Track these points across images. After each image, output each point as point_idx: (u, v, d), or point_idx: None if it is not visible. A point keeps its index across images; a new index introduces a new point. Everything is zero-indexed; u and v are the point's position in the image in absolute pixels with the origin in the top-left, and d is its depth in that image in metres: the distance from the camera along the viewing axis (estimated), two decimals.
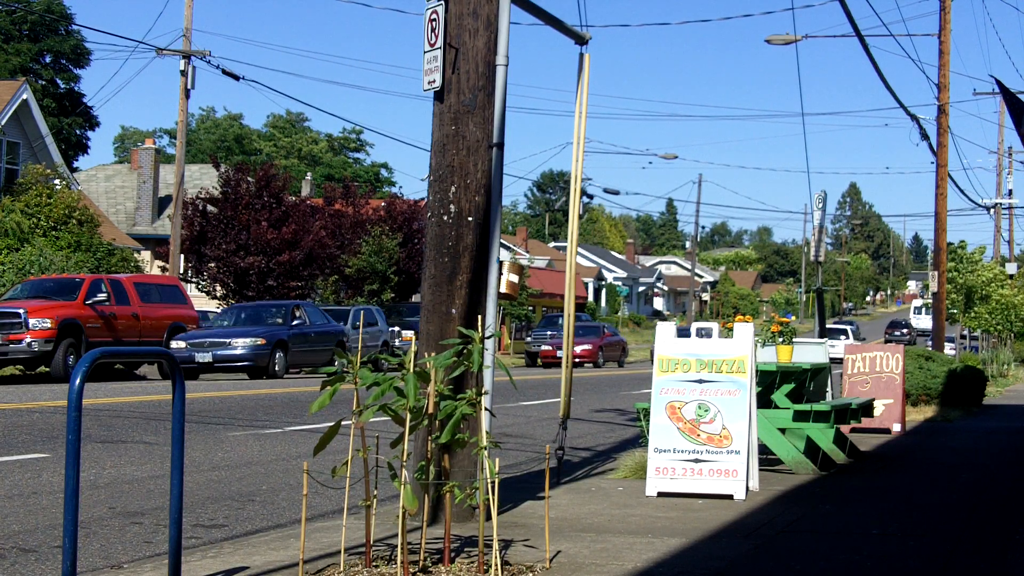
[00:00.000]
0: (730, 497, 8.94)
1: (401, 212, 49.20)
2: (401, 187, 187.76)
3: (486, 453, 6.06)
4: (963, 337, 50.71)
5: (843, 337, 65.40)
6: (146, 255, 48.04)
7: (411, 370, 5.83)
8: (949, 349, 52.74)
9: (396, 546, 6.23)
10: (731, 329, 9.50)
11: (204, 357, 27.59)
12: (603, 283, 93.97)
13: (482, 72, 7.87)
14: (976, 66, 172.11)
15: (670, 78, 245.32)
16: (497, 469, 6.00)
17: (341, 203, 47.96)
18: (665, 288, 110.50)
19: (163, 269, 40.16)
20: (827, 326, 78.52)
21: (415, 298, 46.97)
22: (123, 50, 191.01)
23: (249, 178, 42.24)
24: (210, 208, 41.61)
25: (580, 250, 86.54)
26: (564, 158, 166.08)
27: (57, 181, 37.79)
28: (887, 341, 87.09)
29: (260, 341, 28.28)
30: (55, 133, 50.09)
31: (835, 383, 14.46)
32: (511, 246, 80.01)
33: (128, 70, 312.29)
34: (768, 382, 10.95)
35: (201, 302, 43.11)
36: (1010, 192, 52.25)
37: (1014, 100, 14.67)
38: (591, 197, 63.54)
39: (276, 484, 10.07)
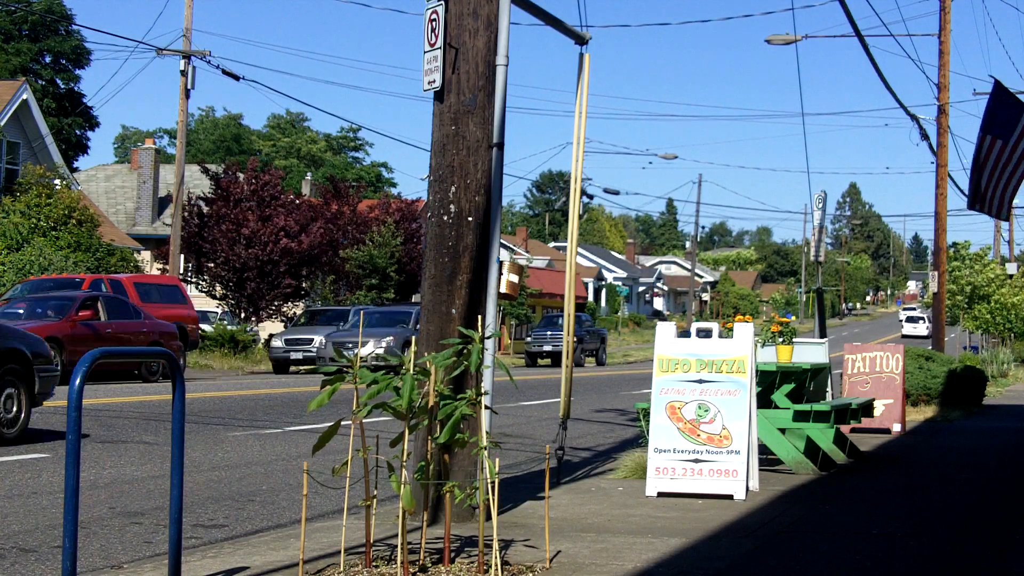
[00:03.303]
0: (730, 497, 8.94)
1: (398, 209, 49.26)
2: (399, 187, 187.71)
3: (486, 453, 6.06)
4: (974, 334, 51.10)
5: (921, 322, 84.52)
6: (146, 255, 48.05)
7: (410, 370, 5.83)
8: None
9: (396, 546, 6.23)
10: (731, 329, 9.50)
11: None
12: (603, 283, 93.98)
13: (482, 72, 7.87)
14: (976, 66, 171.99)
15: (670, 78, 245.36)
16: (497, 469, 6.00)
17: (336, 203, 48.07)
18: (665, 288, 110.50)
19: (163, 270, 40.21)
20: (913, 315, 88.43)
21: (415, 298, 46.92)
22: (123, 50, 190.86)
23: (239, 174, 42.49)
24: (204, 207, 41.90)
25: (580, 250, 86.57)
26: (564, 158, 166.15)
27: (57, 181, 37.81)
28: None
29: None
30: (55, 133, 50.09)
31: (835, 383, 14.46)
32: (511, 246, 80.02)
33: (128, 70, 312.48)
34: (768, 382, 10.95)
35: (201, 302, 43.14)
36: None
37: (1008, 101, 14.63)
38: (591, 197, 63.57)
39: (276, 484, 10.07)
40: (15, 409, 12.36)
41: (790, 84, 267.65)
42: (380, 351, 30.51)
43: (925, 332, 74.92)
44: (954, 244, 50.02)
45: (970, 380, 21.09)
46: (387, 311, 35.41)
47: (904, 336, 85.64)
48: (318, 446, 5.85)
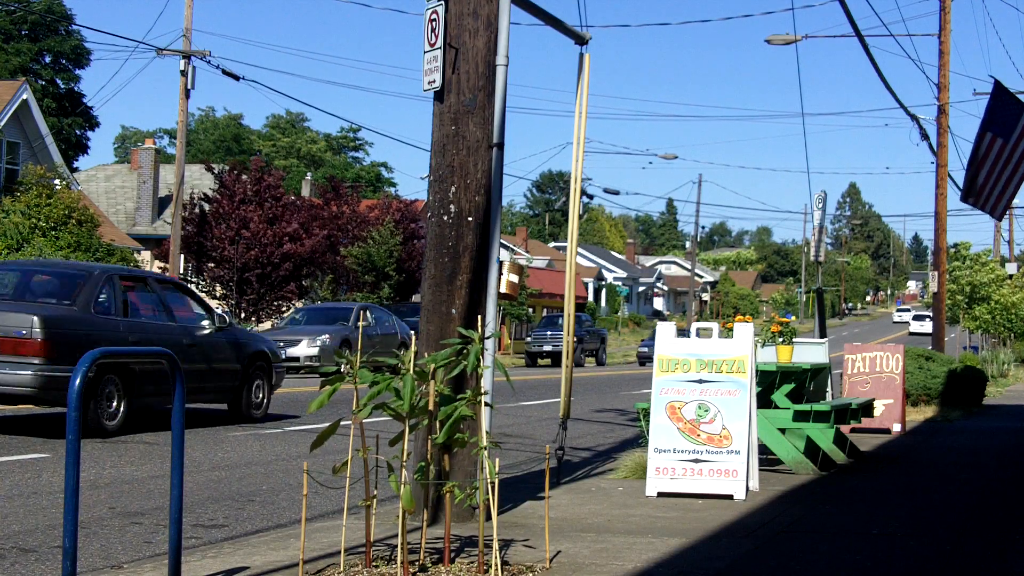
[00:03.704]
0: (730, 497, 8.94)
1: (398, 210, 49.33)
2: (399, 187, 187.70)
3: (486, 453, 6.06)
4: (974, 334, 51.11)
5: (928, 320, 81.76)
6: (146, 255, 48.05)
7: (410, 371, 5.83)
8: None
9: (396, 546, 6.23)
10: (731, 329, 9.50)
11: None
12: (603, 283, 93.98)
13: (482, 72, 7.87)
14: (976, 66, 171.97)
15: (670, 78, 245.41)
16: (497, 469, 6.00)
17: (336, 203, 48.13)
18: (665, 288, 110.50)
19: (163, 270, 40.24)
20: (920, 313, 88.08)
21: (415, 298, 46.91)
22: (123, 50, 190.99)
23: (244, 176, 42.64)
24: (206, 206, 42.00)
25: (580, 250, 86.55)
26: (564, 158, 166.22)
27: (57, 181, 37.81)
28: None
29: None
30: (55, 133, 50.08)
31: (835, 383, 14.45)
32: (511, 246, 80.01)
33: (128, 70, 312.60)
34: (768, 382, 10.95)
35: None
36: None
37: (1008, 101, 14.63)
38: (591, 197, 63.57)
39: (276, 484, 10.07)
40: (261, 396, 15.79)
41: (790, 84, 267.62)
42: (314, 352, 28.55)
43: (932, 329, 76.22)
44: (955, 245, 50.07)
45: (970, 380, 21.09)
46: (330, 308, 33.86)
47: (912, 333, 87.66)
48: (316, 444, 5.85)
